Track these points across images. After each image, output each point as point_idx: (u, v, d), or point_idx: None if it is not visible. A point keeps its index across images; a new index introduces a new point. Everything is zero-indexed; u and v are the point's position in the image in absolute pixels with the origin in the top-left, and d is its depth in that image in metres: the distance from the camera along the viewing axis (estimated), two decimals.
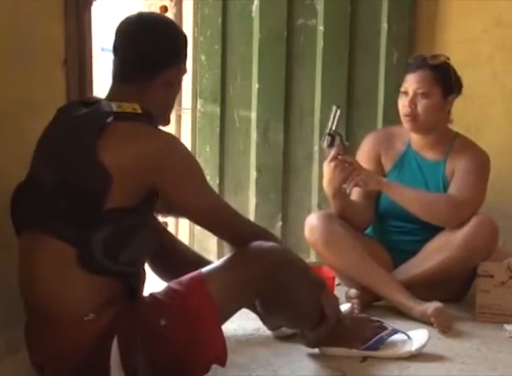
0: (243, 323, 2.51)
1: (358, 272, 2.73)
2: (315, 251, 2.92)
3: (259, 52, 3.29)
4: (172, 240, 2.43)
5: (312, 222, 2.80)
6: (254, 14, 3.28)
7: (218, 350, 1.92)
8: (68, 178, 1.81)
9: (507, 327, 2.54)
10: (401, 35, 3.32)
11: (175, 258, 2.36)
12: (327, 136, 2.68)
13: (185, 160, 1.92)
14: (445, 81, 2.78)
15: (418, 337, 2.31)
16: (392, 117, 3.30)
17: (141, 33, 1.95)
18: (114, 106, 1.85)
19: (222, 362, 1.94)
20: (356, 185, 2.72)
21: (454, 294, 2.82)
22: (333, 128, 2.69)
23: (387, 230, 2.93)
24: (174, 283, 1.95)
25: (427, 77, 2.77)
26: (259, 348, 2.33)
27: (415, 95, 2.78)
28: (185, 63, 2.02)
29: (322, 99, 3.32)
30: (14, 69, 2.17)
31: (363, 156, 2.93)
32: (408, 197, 2.73)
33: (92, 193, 1.79)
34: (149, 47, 1.93)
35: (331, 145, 2.67)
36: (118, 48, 1.96)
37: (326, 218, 2.78)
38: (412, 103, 2.78)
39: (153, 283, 2.21)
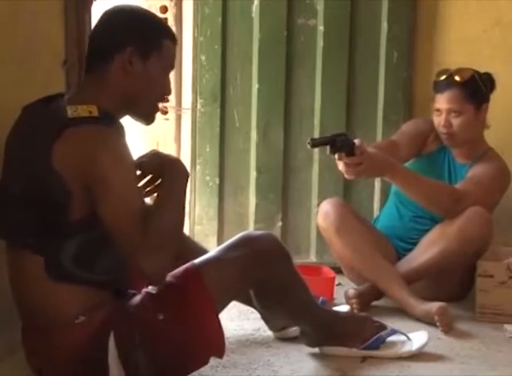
0: (243, 323, 2.52)
1: (363, 263, 2.75)
2: (326, 237, 2.90)
3: (259, 52, 3.28)
4: None
5: (326, 208, 2.84)
6: (254, 14, 3.28)
7: (217, 341, 1.92)
8: (28, 189, 1.78)
9: (507, 327, 2.54)
10: (401, 35, 3.32)
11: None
12: (328, 147, 2.50)
13: (112, 159, 1.75)
14: (476, 95, 2.80)
15: (418, 337, 2.31)
16: (392, 117, 3.31)
17: (99, 23, 1.91)
18: (70, 112, 1.77)
19: (221, 353, 1.94)
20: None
21: (454, 294, 2.81)
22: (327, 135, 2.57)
23: (401, 216, 2.95)
24: (168, 277, 1.92)
25: (457, 96, 2.79)
26: (259, 348, 2.33)
27: (448, 114, 2.80)
28: (151, 50, 1.86)
29: (322, 99, 3.32)
30: (14, 69, 2.17)
31: (412, 126, 2.96)
32: (412, 183, 2.68)
33: (54, 204, 1.75)
34: (101, 33, 1.89)
35: (334, 151, 2.49)
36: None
37: (341, 206, 2.83)
38: (447, 121, 2.81)
39: None
